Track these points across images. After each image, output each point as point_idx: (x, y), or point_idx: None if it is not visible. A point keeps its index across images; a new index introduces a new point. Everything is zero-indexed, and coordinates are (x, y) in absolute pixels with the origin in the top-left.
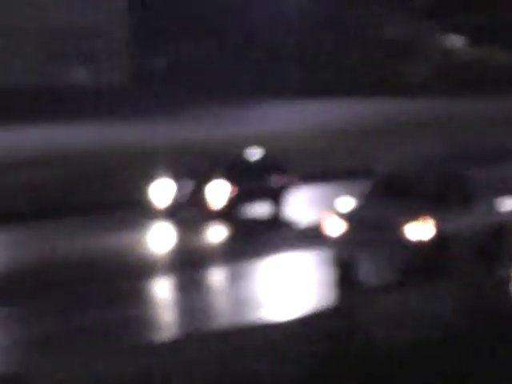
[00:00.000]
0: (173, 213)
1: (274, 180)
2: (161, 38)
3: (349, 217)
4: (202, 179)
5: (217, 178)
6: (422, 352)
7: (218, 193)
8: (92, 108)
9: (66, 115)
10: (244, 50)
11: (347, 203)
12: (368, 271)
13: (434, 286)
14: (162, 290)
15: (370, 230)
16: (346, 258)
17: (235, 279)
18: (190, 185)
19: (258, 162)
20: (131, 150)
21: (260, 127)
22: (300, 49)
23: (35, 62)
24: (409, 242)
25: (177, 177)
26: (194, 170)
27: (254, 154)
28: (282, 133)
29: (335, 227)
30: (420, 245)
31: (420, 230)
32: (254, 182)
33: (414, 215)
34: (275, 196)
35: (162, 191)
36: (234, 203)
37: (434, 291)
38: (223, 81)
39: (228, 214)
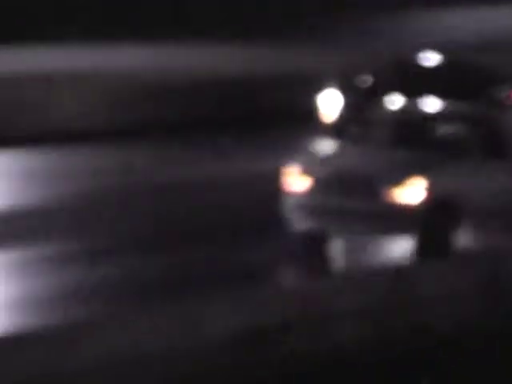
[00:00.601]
0: (340, 129)
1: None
2: None
3: (315, 171)
4: (373, 91)
5: (391, 89)
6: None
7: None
8: None
9: None
10: None
11: (319, 151)
12: (341, 247)
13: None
14: None
15: (342, 190)
16: (309, 229)
17: None
18: (362, 98)
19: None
20: None
21: None
22: None
23: None
24: (393, 207)
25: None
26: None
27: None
28: None
29: (296, 185)
30: (407, 212)
31: (408, 192)
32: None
33: (404, 172)
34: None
35: (330, 103)
36: None
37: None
38: None
39: None
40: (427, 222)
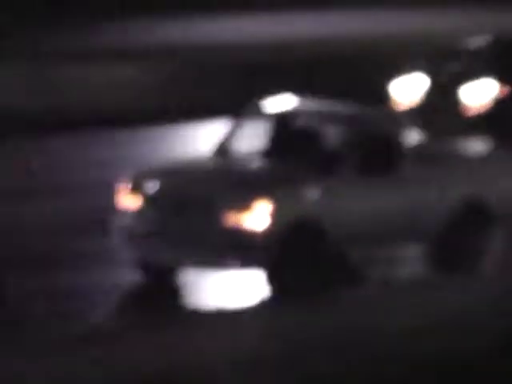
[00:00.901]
0: (419, 115)
1: None
2: None
3: (147, 188)
4: (460, 74)
5: (482, 74)
6: None
7: (481, 93)
8: None
9: None
10: None
11: (164, 163)
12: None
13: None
14: None
15: (176, 213)
16: (139, 256)
17: None
18: (442, 81)
19: None
20: None
21: None
22: None
23: None
24: (233, 235)
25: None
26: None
27: None
28: None
29: (126, 204)
30: (250, 241)
31: (251, 217)
32: None
33: (248, 192)
34: None
35: (409, 87)
36: (503, 108)
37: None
38: None
39: (491, 123)
40: (277, 253)
